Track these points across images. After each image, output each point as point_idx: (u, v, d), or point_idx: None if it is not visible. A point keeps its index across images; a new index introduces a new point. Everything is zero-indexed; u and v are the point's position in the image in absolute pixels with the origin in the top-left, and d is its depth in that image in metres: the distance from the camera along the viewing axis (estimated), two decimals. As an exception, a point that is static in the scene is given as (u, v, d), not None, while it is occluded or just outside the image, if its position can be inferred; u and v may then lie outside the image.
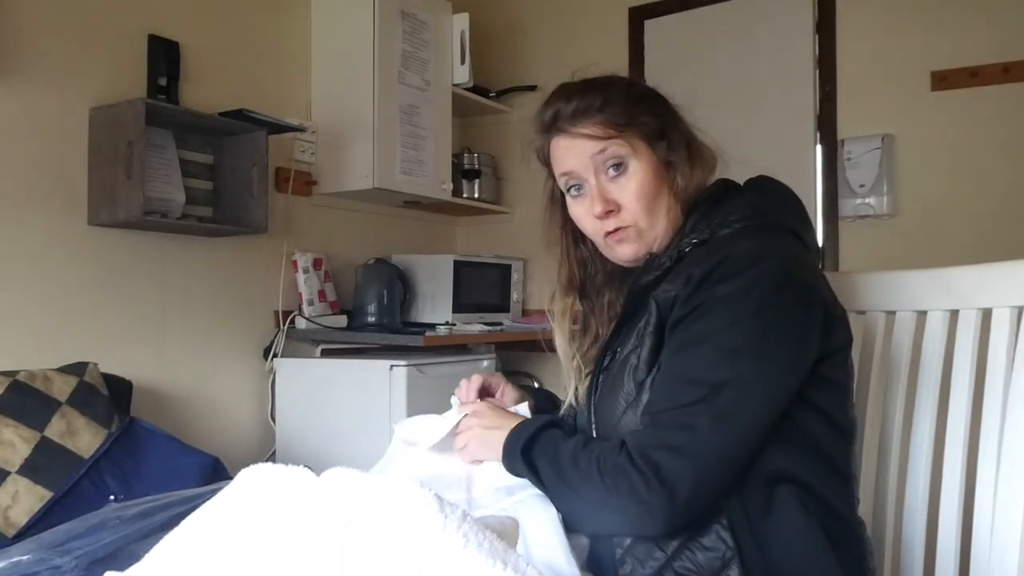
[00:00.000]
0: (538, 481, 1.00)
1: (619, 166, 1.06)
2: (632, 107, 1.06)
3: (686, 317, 0.95)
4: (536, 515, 0.99)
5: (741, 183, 1.12)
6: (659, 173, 1.06)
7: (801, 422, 0.97)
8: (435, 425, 1.16)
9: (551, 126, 1.10)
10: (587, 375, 1.13)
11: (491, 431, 1.08)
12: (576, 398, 1.15)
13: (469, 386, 1.23)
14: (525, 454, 1.01)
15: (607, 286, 1.18)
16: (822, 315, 0.98)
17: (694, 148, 1.09)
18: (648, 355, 0.99)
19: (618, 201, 1.06)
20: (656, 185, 1.06)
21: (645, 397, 0.98)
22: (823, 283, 1.03)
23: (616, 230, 1.08)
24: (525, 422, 1.07)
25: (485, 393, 1.24)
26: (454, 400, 1.22)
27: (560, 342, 1.19)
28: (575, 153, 1.08)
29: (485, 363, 2.69)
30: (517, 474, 1.03)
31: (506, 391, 1.25)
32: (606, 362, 1.08)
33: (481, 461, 1.10)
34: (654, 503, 0.88)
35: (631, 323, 1.05)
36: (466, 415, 1.13)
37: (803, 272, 0.99)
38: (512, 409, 1.19)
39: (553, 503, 0.99)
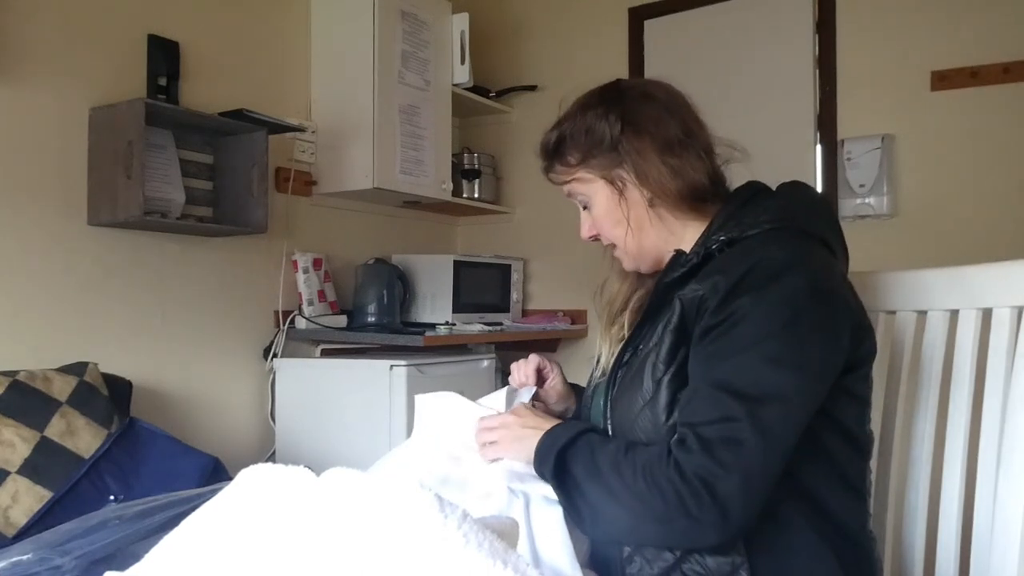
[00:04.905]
0: (563, 487, 0.98)
1: (584, 202, 1.15)
2: (583, 140, 1.11)
3: (719, 325, 0.95)
4: (541, 512, 0.99)
5: (767, 187, 1.13)
6: (615, 199, 1.11)
7: (819, 436, 0.97)
8: (466, 408, 1.17)
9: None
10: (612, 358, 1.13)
11: (528, 430, 1.07)
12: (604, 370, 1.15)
13: (526, 366, 1.25)
14: (560, 457, 0.99)
15: None
16: (851, 325, 0.98)
17: (661, 156, 1.07)
18: (666, 353, 1.00)
19: (594, 228, 1.16)
20: (615, 211, 1.11)
21: (663, 396, 0.98)
22: (851, 293, 1.03)
23: (609, 246, 1.17)
24: (563, 425, 1.06)
25: (539, 376, 1.26)
26: (506, 389, 1.24)
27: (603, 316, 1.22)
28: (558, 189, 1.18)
29: (485, 363, 2.69)
30: (544, 477, 1.02)
31: (556, 379, 1.27)
32: (626, 357, 1.08)
33: (498, 459, 1.10)
34: (706, 520, 0.88)
35: (654, 320, 1.05)
36: (503, 413, 1.14)
37: (834, 282, 1.00)
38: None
39: (581, 508, 0.97)
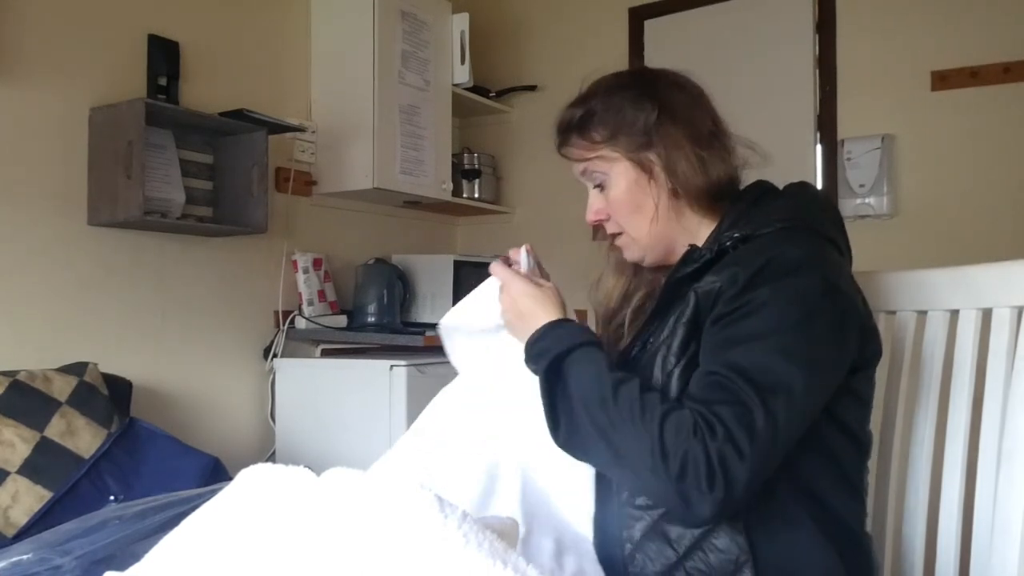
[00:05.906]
0: (552, 398, 0.96)
1: (600, 182, 1.11)
2: (612, 118, 1.08)
3: (734, 311, 0.94)
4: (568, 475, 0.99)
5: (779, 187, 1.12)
6: (640, 183, 1.08)
7: (822, 435, 0.97)
8: (478, 306, 1.15)
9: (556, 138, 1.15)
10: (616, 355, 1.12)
11: (525, 314, 1.05)
12: None
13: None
14: (556, 362, 0.97)
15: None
16: (858, 327, 0.98)
17: (693, 148, 1.06)
18: (678, 346, 0.99)
19: (606, 211, 1.12)
20: (637, 195, 1.08)
21: (673, 387, 0.97)
22: (859, 295, 1.03)
23: (614, 235, 1.14)
24: (565, 324, 1.02)
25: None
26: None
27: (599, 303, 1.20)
28: (572, 167, 1.14)
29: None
30: (533, 371, 0.99)
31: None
32: (635, 351, 1.07)
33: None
34: (711, 498, 0.87)
35: (665, 314, 1.04)
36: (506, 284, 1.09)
37: (844, 282, 1.00)
38: None
39: (563, 424, 0.96)
